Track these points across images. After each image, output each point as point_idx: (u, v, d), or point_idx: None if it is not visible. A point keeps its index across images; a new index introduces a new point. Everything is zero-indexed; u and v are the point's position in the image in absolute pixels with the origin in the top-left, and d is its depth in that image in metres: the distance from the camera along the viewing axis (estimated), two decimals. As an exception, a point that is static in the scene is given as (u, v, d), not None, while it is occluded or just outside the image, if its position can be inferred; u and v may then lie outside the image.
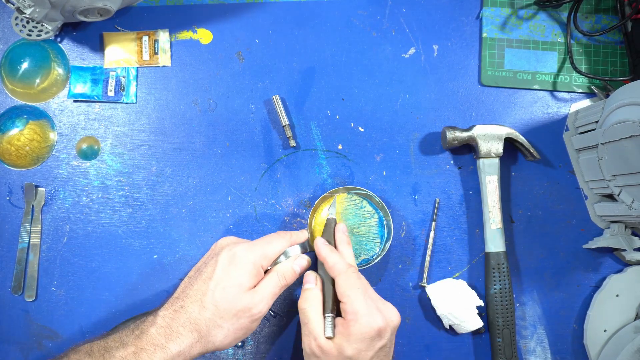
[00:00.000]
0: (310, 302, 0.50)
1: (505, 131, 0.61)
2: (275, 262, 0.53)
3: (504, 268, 0.60)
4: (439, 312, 0.60)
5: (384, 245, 0.59)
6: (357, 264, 0.58)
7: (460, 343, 0.62)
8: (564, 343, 0.63)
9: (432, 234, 0.62)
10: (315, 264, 0.56)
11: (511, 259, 0.63)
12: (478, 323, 0.59)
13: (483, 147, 0.61)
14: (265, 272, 0.52)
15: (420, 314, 0.62)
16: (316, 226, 0.60)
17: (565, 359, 0.63)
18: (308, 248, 0.57)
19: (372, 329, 0.47)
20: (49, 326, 0.60)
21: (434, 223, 0.63)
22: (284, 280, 0.52)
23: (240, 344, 0.61)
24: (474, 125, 0.61)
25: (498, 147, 0.61)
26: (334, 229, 0.56)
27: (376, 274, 0.62)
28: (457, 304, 0.58)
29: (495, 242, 0.61)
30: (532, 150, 0.62)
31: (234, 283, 0.49)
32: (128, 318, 0.59)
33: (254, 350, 0.61)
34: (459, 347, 0.62)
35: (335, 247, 0.55)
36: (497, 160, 0.61)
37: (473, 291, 0.60)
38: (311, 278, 0.52)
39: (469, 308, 0.58)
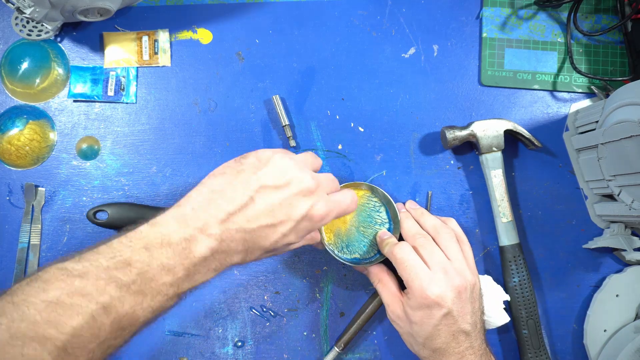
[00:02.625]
0: (380, 277, 0.56)
1: (504, 123, 0.61)
2: None
3: (520, 260, 0.60)
4: None
5: (381, 255, 0.58)
6: (348, 260, 0.58)
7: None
8: (564, 343, 0.63)
9: None
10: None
11: (511, 259, 0.63)
12: (505, 318, 0.58)
13: (484, 142, 0.61)
14: None
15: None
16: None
17: (565, 359, 0.63)
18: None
19: (424, 299, 0.49)
20: (49, 326, 0.60)
21: None
22: None
23: (240, 343, 0.61)
24: (472, 122, 0.61)
25: (499, 141, 0.61)
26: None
27: (376, 274, 0.62)
28: (485, 299, 0.57)
29: (508, 235, 0.61)
30: (533, 140, 0.62)
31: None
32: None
33: (253, 350, 0.61)
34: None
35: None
36: (499, 153, 0.61)
37: (499, 286, 0.59)
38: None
39: (496, 303, 0.58)
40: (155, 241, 0.39)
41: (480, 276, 0.60)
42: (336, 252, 0.58)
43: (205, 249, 0.40)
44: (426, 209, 0.63)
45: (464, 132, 0.61)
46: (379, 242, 0.57)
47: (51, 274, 0.36)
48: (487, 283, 0.59)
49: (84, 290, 0.35)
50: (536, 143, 0.62)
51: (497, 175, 0.61)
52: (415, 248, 0.53)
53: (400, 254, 0.52)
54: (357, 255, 0.59)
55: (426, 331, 0.50)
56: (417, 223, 0.57)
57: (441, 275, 0.51)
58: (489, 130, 0.61)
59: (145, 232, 0.40)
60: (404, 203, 0.61)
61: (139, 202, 0.62)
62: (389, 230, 0.59)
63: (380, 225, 0.60)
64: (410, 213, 0.59)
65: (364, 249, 0.59)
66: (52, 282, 0.35)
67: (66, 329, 0.34)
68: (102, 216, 0.58)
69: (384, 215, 0.60)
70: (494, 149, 0.61)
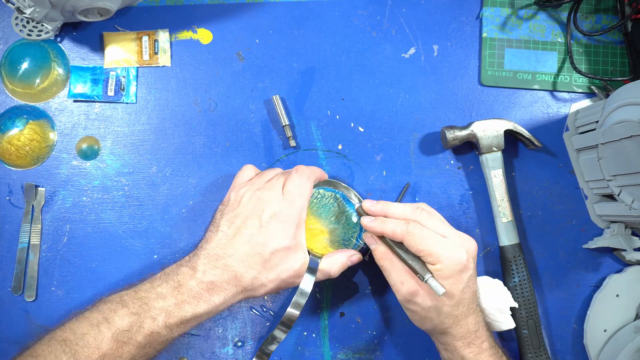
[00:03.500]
0: (384, 257, 0.53)
1: (504, 124, 0.61)
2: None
3: (520, 260, 0.60)
4: None
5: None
6: (361, 247, 0.57)
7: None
8: (564, 343, 0.63)
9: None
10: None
11: (511, 259, 0.63)
12: (511, 324, 0.57)
13: (484, 142, 0.61)
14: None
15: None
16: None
17: (565, 359, 0.63)
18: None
19: (458, 265, 0.49)
20: (49, 326, 0.60)
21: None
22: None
23: (240, 343, 0.61)
24: (472, 122, 0.61)
25: (499, 141, 0.61)
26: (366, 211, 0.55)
27: (379, 275, 0.62)
28: (492, 302, 0.57)
29: (508, 235, 0.61)
30: (533, 139, 0.62)
31: (282, 246, 0.50)
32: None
33: (254, 350, 0.61)
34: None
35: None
36: (499, 153, 0.61)
37: (508, 292, 0.58)
38: (370, 240, 0.55)
39: (505, 308, 0.57)
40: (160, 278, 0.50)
41: (492, 280, 0.59)
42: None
43: (192, 280, 0.49)
44: (397, 200, 0.62)
45: (464, 132, 0.61)
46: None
47: (101, 301, 0.48)
48: (497, 287, 0.58)
49: (101, 308, 0.47)
50: (536, 143, 0.62)
51: (497, 175, 0.61)
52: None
53: (415, 229, 0.50)
54: (354, 240, 0.58)
55: (455, 298, 0.50)
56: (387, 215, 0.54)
57: (458, 240, 0.51)
58: (489, 130, 0.61)
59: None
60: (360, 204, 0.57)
61: (138, 201, 0.62)
62: (343, 197, 0.59)
63: (347, 203, 0.59)
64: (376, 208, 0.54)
65: (354, 229, 0.58)
66: (95, 305, 0.48)
67: (77, 334, 0.45)
68: None
69: (326, 193, 0.59)
70: (494, 149, 0.61)
